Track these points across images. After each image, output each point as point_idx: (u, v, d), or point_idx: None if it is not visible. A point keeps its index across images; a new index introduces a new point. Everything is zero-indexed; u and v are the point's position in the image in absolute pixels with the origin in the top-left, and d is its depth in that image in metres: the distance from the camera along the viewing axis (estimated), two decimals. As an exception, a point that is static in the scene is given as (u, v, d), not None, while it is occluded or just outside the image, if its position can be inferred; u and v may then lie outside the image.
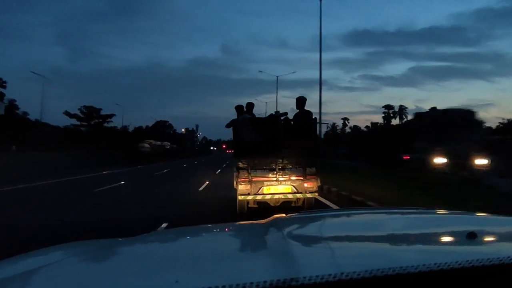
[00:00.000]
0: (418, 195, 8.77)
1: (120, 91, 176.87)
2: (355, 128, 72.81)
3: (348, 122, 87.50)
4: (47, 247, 1.49)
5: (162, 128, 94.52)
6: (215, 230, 1.74)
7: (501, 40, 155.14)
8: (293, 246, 1.09)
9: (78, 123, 48.08)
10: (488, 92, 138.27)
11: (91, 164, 24.21)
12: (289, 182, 7.05)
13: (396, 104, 73.86)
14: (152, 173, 22.06)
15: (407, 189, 9.92)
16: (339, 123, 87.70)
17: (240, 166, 7.06)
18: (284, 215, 1.72)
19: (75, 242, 1.63)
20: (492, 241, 1.23)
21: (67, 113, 47.02)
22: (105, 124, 50.10)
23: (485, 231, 1.26)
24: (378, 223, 1.57)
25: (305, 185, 7.04)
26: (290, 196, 7.06)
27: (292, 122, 7.56)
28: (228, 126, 7.39)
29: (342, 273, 0.75)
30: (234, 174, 7.54)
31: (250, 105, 7.97)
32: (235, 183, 7.33)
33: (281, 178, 7.04)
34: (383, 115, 72.41)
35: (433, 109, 41.60)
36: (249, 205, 7.18)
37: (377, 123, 71.67)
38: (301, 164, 7.14)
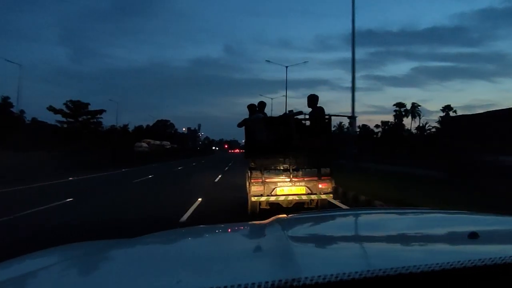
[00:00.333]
0: None
1: (122, 91, 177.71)
2: (364, 127, 71.40)
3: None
4: (46, 248, 1.48)
5: (163, 128, 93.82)
6: (216, 231, 1.74)
7: (504, 41, 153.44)
8: (295, 247, 1.10)
9: (64, 119, 43.17)
10: (490, 92, 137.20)
11: (65, 166, 20.44)
12: (303, 183, 6.89)
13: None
14: (132, 180, 16.96)
15: None
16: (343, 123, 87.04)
17: (253, 166, 6.92)
18: (285, 215, 1.72)
19: (77, 243, 1.60)
20: (494, 241, 1.21)
21: (51, 109, 41.57)
22: (94, 121, 45.55)
23: (487, 231, 1.26)
24: (380, 223, 1.58)
25: (320, 186, 6.89)
26: (304, 197, 6.91)
27: (303, 121, 7.40)
28: (240, 125, 7.26)
29: (344, 273, 0.75)
30: (246, 174, 7.40)
31: (262, 104, 7.85)
32: (247, 184, 7.18)
33: (295, 179, 6.89)
34: (394, 113, 68.80)
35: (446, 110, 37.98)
36: (261, 207, 7.04)
37: (388, 122, 69.00)
38: (315, 164, 6.98)
